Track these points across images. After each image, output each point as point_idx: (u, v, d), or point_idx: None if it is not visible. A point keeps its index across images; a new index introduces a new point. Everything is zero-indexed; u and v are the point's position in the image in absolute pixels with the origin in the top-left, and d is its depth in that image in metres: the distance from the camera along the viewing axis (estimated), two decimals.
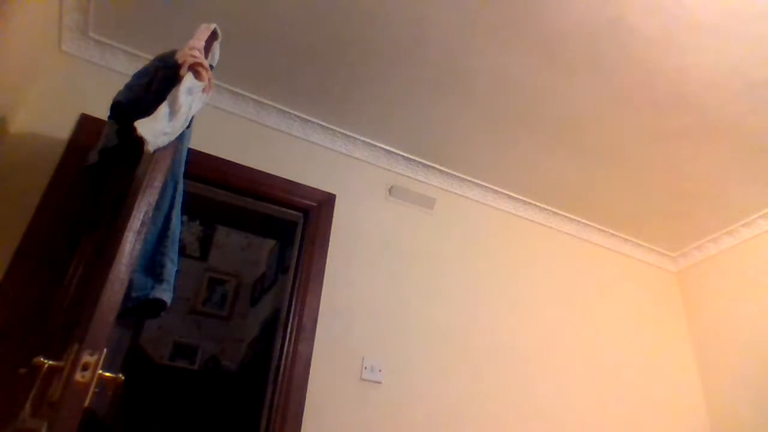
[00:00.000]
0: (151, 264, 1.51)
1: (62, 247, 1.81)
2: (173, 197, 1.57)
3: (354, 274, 2.50)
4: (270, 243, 4.72)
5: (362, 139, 2.78)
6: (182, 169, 1.60)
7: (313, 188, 2.59)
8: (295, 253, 2.52)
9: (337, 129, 2.73)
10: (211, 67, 1.54)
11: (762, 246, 3.05)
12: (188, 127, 1.47)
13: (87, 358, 1.01)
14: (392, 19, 2.12)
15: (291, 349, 2.21)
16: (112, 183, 1.69)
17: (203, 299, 4.86)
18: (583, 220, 3.28)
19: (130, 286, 1.32)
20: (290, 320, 2.29)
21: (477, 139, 2.73)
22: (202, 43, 1.49)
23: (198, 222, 5.00)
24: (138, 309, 1.48)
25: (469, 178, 3.00)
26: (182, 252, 4.61)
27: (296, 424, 2.07)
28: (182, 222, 1.66)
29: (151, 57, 1.75)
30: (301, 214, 2.59)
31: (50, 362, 1.10)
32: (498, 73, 2.32)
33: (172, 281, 1.53)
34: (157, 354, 4.27)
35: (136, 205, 1.22)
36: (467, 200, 3.02)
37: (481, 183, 3.03)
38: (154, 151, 1.30)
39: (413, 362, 2.43)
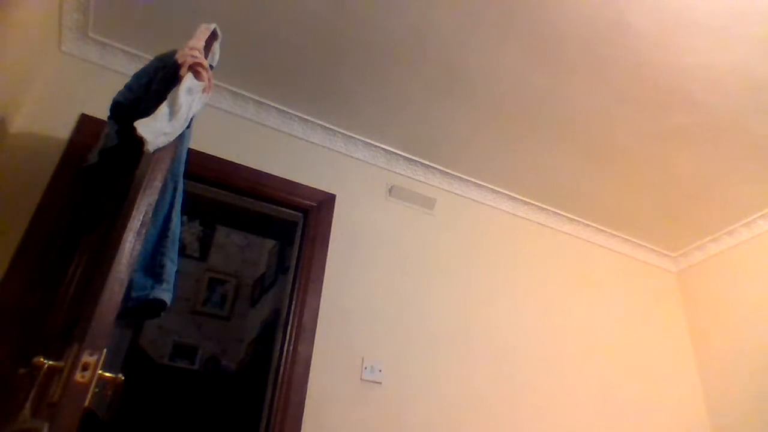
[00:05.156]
0: (151, 264, 1.50)
1: (62, 247, 1.81)
2: (173, 197, 1.57)
3: (354, 274, 2.50)
4: (270, 243, 4.72)
5: (362, 139, 2.78)
6: (182, 169, 1.60)
7: (313, 188, 2.59)
8: (295, 253, 2.52)
9: (337, 129, 2.73)
10: (211, 67, 1.54)
11: (762, 246, 3.05)
12: (188, 127, 1.47)
13: (87, 358, 1.01)
14: (393, 20, 2.12)
15: (291, 349, 2.21)
16: (112, 183, 1.69)
17: (203, 299, 4.86)
18: (583, 220, 3.28)
19: (130, 286, 1.32)
20: (290, 320, 2.29)
21: (477, 139, 2.73)
22: (202, 43, 1.49)
23: (198, 222, 5.01)
24: (138, 309, 1.47)
25: (469, 178, 3.00)
26: (182, 252, 4.61)
27: (296, 424, 2.07)
28: (182, 222, 1.66)
29: (151, 57, 1.75)
30: (301, 214, 2.59)
31: (50, 362, 1.10)
32: (498, 73, 2.32)
33: (172, 281, 1.53)
34: (157, 354, 4.28)
35: (136, 205, 1.22)
36: (467, 200, 3.02)
37: (481, 183, 3.03)
38: (154, 151, 1.30)
39: (413, 362, 2.43)
